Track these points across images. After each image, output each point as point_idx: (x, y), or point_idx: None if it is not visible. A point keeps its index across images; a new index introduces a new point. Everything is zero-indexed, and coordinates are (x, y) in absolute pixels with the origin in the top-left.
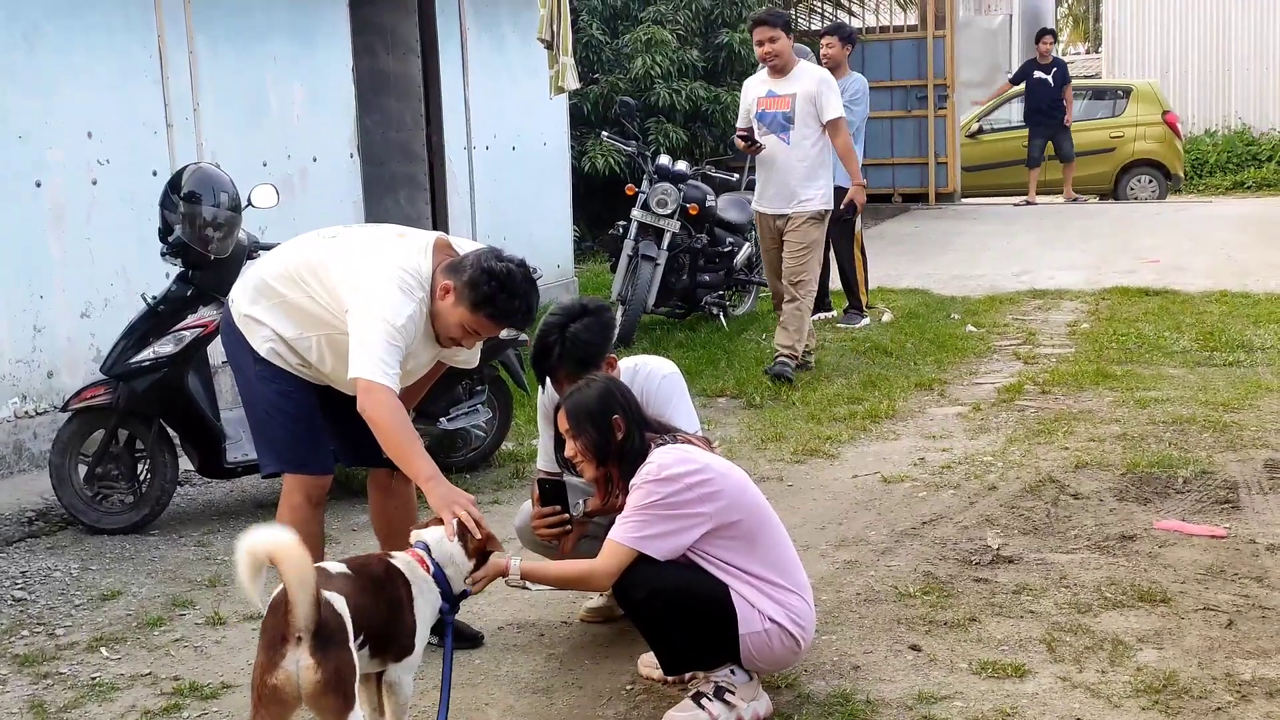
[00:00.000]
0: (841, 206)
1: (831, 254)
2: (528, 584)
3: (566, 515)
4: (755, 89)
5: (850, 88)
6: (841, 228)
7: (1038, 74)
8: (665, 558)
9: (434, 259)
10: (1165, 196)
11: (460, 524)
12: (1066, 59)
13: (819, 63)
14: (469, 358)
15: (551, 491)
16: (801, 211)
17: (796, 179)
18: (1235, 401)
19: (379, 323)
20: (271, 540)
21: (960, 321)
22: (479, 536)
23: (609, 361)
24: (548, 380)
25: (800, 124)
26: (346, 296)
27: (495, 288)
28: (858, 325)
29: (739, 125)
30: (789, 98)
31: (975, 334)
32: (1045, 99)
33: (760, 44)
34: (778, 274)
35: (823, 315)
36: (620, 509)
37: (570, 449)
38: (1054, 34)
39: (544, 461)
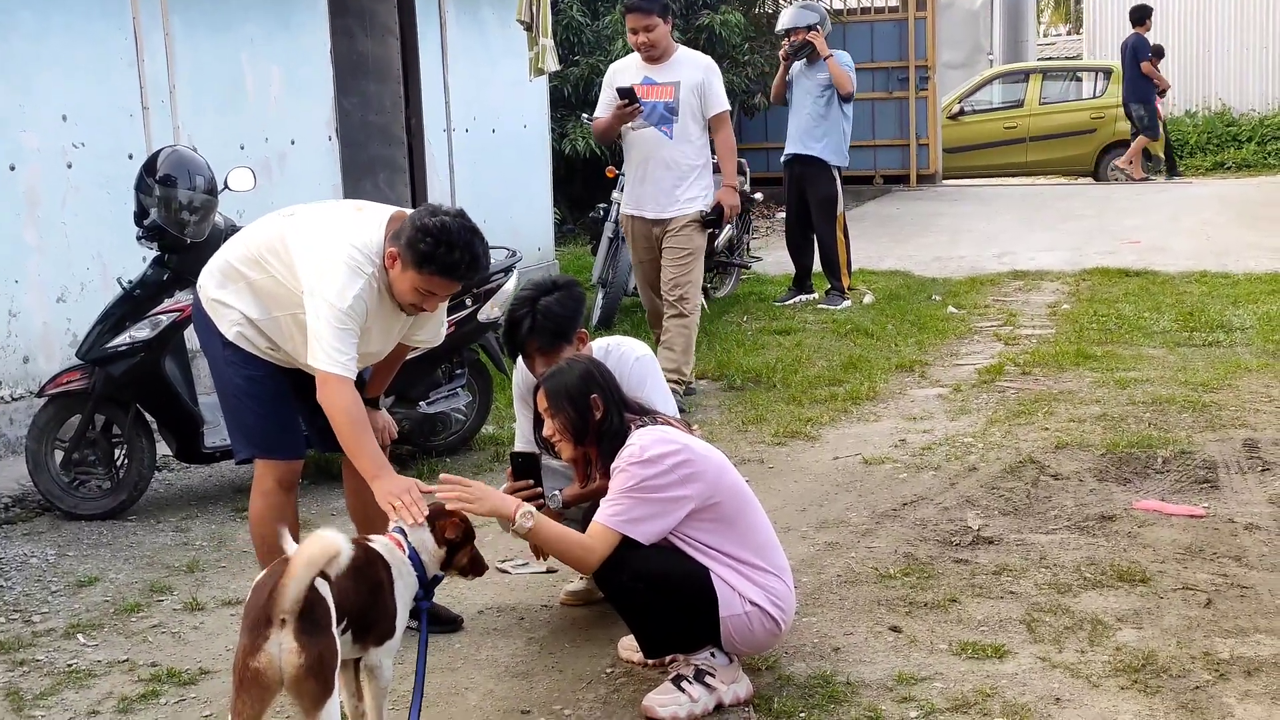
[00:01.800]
0: (707, 211)
1: (814, 235)
2: (508, 568)
3: (539, 489)
4: (628, 76)
5: (849, 60)
6: (824, 210)
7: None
8: (649, 541)
9: (387, 230)
10: (1147, 177)
11: (433, 512)
12: (1048, 40)
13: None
14: (430, 336)
15: (524, 465)
16: (682, 214)
17: (678, 178)
18: (1214, 382)
19: (325, 307)
20: (322, 533)
21: (941, 303)
22: (418, 521)
23: (580, 336)
24: (520, 361)
25: (685, 116)
26: (302, 276)
27: (432, 243)
28: (839, 307)
29: (599, 114)
30: (671, 86)
31: (956, 315)
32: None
33: (634, 32)
34: (654, 288)
35: (804, 298)
36: (599, 493)
37: (549, 428)
38: None
39: (521, 444)
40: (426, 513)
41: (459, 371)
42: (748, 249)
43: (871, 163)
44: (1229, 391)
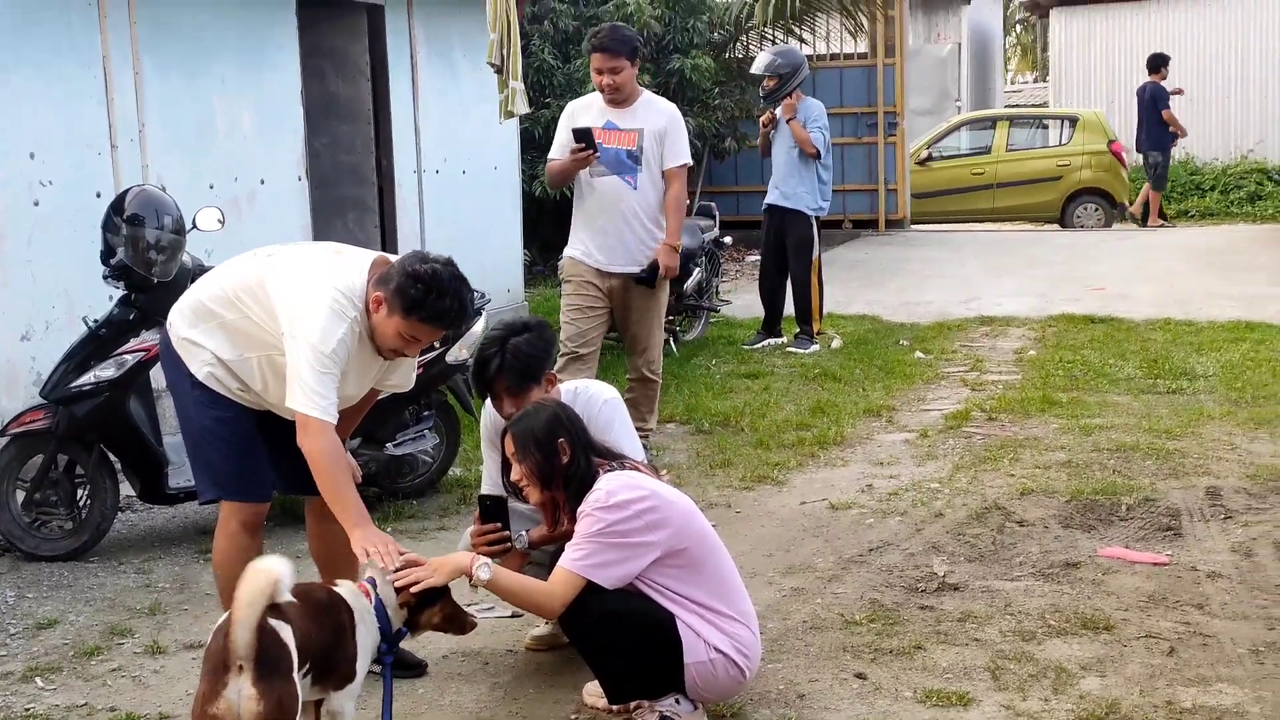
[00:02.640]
0: (642, 272)
1: (788, 280)
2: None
3: (507, 533)
4: (589, 117)
5: (818, 114)
6: (800, 253)
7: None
8: (614, 586)
9: (369, 275)
10: (1111, 225)
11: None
12: (1015, 88)
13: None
14: (403, 380)
15: (492, 509)
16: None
17: (643, 231)
18: (1178, 429)
19: (308, 351)
20: (257, 561)
21: (909, 348)
22: (389, 568)
23: (549, 378)
24: (489, 404)
25: (649, 165)
26: (282, 319)
27: (422, 290)
28: (807, 351)
29: (553, 156)
30: (634, 133)
31: (924, 360)
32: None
33: (599, 73)
34: (586, 337)
35: (772, 341)
36: (566, 536)
37: (516, 472)
38: None
39: (488, 487)
40: (399, 564)
41: (426, 413)
42: (716, 292)
43: (840, 207)
44: (1192, 439)
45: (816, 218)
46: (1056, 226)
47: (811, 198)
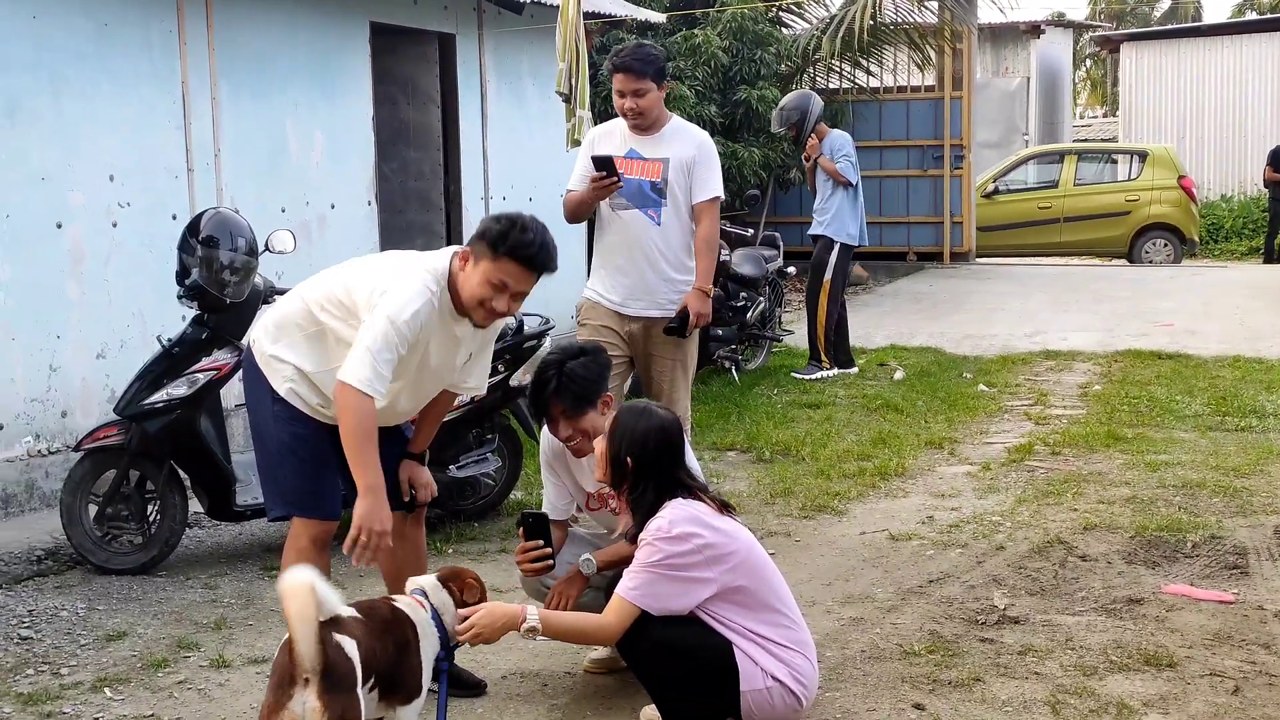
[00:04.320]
0: (671, 321)
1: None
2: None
3: (548, 549)
4: (611, 145)
5: (842, 144)
6: (814, 273)
7: None
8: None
9: (453, 260)
10: (1180, 260)
11: (446, 576)
12: (1084, 123)
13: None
14: (478, 382)
15: (534, 525)
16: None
17: (666, 271)
18: (1246, 467)
19: (382, 322)
20: (285, 580)
21: (972, 381)
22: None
23: (605, 401)
24: (548, 429)
25: (674, 199)
26: (360, 301)
27: (506, 224)
28: (812, 377)
29: (572, 186)
30: (659, 163)
31: (987, 393)
32: None
33: (621, 95)
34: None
35: (839, 370)
36: (629, 562)
37: (599, 446)
38: None
39: (550, 511)
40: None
41: (489, 437)
42: (779, 322)
43: (905, 239)
44: (1260, 477)
45: (844, 245)
46: (1124, 262)
47: (840, 225)
